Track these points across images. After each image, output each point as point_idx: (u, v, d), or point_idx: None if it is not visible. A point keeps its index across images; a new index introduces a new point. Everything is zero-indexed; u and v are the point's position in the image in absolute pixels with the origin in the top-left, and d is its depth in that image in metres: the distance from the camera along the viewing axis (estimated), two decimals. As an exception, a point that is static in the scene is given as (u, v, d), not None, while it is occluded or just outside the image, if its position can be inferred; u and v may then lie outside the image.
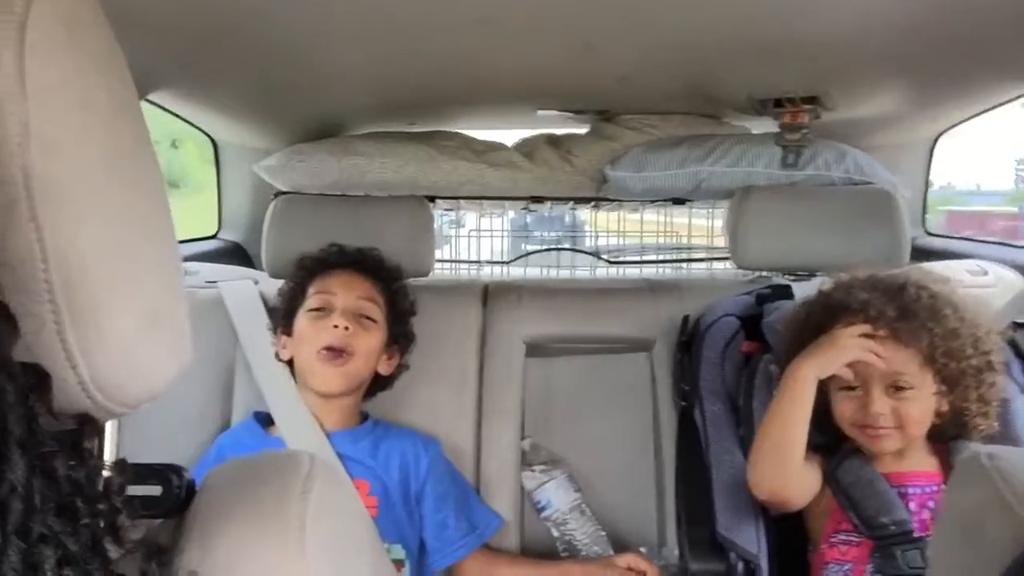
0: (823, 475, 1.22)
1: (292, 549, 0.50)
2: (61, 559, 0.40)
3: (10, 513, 0.37)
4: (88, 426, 0.45)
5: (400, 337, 1.47)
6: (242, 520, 0.51)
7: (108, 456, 0.51)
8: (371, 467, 1.37)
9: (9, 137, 0.38)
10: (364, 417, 1.45)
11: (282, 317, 1.45)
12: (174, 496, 0.55)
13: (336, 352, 1.35)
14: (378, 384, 1.46)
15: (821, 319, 1.23)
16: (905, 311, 1.16)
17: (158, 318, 0.46)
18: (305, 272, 1.46)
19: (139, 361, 0.46)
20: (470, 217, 2.56)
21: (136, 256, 0.45)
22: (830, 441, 1.25)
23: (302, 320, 1.40)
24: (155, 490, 0.54)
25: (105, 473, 0.47)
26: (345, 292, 1.40)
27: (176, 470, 0.55)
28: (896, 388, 1.16)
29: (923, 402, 1.16)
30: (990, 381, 1.18)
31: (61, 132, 0.40)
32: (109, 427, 0.51)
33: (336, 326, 1.35)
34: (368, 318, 1.40)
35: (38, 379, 0.41)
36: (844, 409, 1.20)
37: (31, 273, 0.40)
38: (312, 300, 1.41)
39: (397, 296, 1.48)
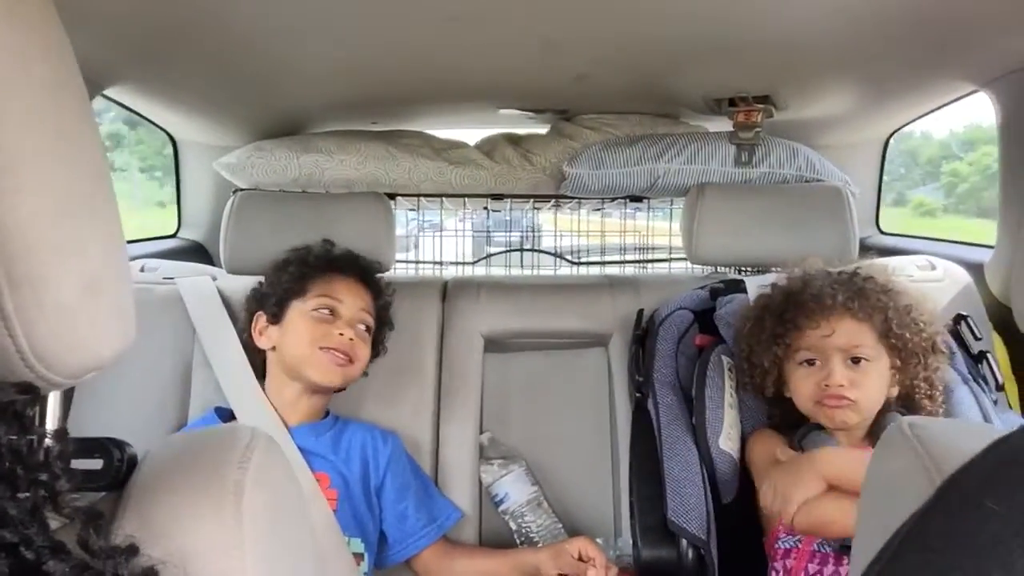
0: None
1: (228, 517, 0.51)
2: (0, 523, 0.40)
3: None
4: (29, 396, 0.46)
5: (378, 345, 1.49)
6: (180, 490, 0.52)
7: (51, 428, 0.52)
8: (332, 461, 1.38)
9: None
10: (325, 413, 1.46)
11: (273, 304, 1.43)
12: (115, 469, 0.55)
13: (340, 358, 1.37)
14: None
15: (783, 307, 1.29)
16: (858, 290, 1.24)
17: (99, 288, 0.47)
18: (307, 268, 1.45)
19: (79, 331, 0.46)
20: (446, 220, 2.57)
21: (76, 226, 0.45)
22: (790, 421, 1.30)
23: (302, 317, 1.40)
24: (96, 463, 0.55)
25: (46, 443, 0.48)
26: (351, 301, 1.42)
27: (118, 444, 0.56)
28: (854, 360, 1.22)
29: (879, 376, 1.22)
30: (935, 364, 1.25)
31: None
32: (52, 400, 0.51)
33: (342, 334, 1.37)
34: (366, 329, 1.43)
35: None
36: (803, 386, 1.26)
37: None
38: (316, 300, 1.40)
39: (382, 311, 1.50)
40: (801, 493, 1.12)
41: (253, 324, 1.44)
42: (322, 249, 1.50)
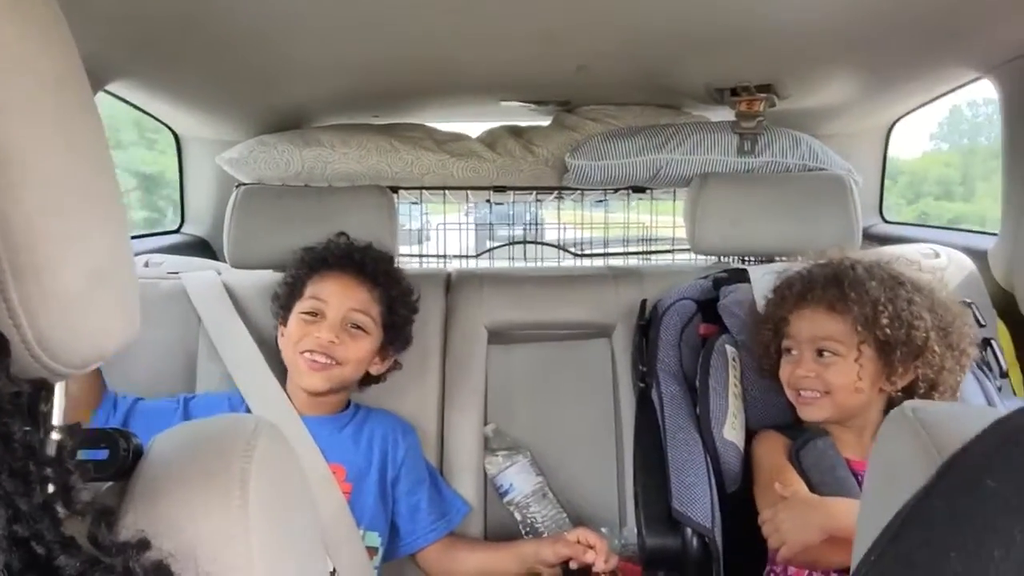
0: (787, 454, 1.25)
1: (235, 505, 0.51)
2: (11, 517, 0.41)
3: None
4: (43, 391, 0.46)
5: (396, 340, 1.46)
6: (186, 479, 0.52)
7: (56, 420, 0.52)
8: (351, 453, 1.37)
9: None
10: (346, 404, 1.45)
11: (280, 308, 1.43)
12: (121, 459, 0.55)
13: (319, 361, 1.34)
14: (370, 378, 1.46)
15: (773, 306, 1.31)
16: (837, 281, 1.22)
17: (103, 278, 0.47)
18: (304, 267, 1.43)
19: (83, 320, 0.46)
20: (449, 214, 2.57)
21: (79, 217, 0.45)
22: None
23: (293, 318, 1.39)
24: (102, 454, 0.55)
25: (56, 436, 0.48)
26: (338, 301, 1.37)
27: (124, 434, 0.56)
28: (820, 352, 1.23)
29: (848, 371, 1.20)
30: (937, 363, 1.19)
31: (3, 96, 0.41)
32: (57, 392, 0.52)
33: (318, 337, 1.33)
34: (359, 328, 1.38)
35: None
36: (784, 372, 1.27)
37: None
38: (306, 302, 1.38)
39: (396, 302, 1.44)
40: (801, 540, 1.10)
41: (278, 328, 1.45)
42: (322, 246, 1.48)
